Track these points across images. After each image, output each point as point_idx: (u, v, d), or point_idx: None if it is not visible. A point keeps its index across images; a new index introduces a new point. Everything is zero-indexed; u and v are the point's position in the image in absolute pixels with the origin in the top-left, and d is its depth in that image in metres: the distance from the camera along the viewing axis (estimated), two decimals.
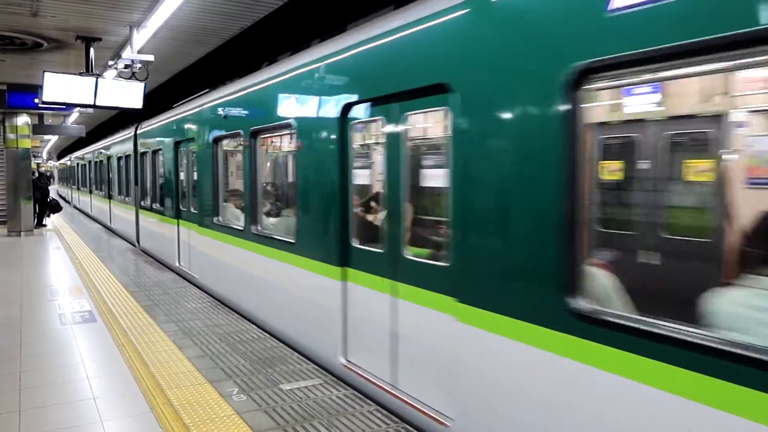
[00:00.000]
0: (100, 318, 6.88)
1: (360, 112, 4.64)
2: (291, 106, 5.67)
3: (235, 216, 7.79)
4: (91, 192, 23.42)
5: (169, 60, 10.74)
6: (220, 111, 7.65)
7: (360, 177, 4.82)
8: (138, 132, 13.39)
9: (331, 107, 4.87)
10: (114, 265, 10.75)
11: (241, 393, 4.56)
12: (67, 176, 37.75)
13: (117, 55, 9.93)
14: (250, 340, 5.95)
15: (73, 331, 6.34)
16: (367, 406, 4.29)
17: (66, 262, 11.18)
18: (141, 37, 8.78)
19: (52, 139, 30.74)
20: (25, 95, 13.90)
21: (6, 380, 4.90)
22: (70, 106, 11.43)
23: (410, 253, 4.14)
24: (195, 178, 9.01)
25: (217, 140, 7.90)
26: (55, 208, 19.49)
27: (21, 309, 7.36)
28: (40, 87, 9.14)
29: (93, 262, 11.20)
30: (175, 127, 10.04)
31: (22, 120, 15.63)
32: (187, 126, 9.34)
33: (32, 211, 16.77)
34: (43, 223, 18.24)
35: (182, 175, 9.95)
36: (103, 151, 19.45)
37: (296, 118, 5.51)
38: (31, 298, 7.99)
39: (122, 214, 15.82)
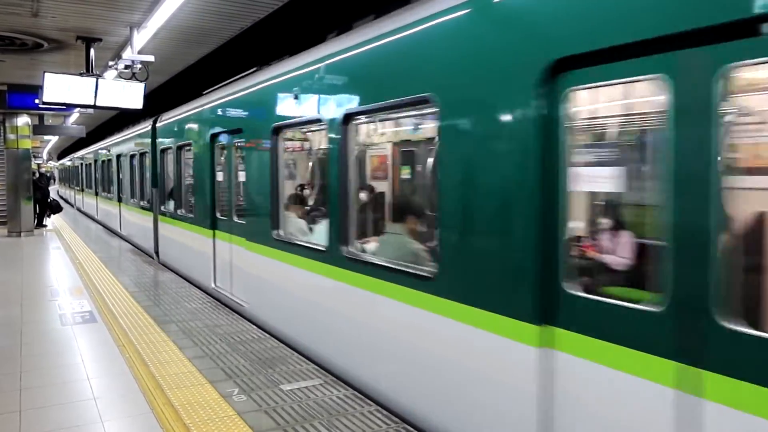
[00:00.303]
0: (101, 318, 6.89)
1: (594, 69, 2.80)
2: (426, 73, 3.84)
3: (299, 229, 6.31)
4: (97, 194, 21.12)
5: (169, 60, 10.75)
6: (289, 91, 5.67)
7: (590, 180, 2.99)
8: (158, 125, 11.33)
9: (522, 65, 3.06)
10: (114, 266, 10.75)
11: (242, 393, 4.56)
12: (70, 177, 34.93)
13: (117, 56, 9.94)
14: (251, 341, 5.96)
15: (73, 332, 6.35)
16: (368, 406, 4.30)
17: (66, 263, 11.18)
18: (141, 37, 8.79)
19: (53, 139, 30.78)
20: (25, 96, 13.93)
21: (6, 380, 4.91)
22: (70, 107, 11.44)
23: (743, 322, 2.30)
24: (241, 179, 7.25)
25: (280, 130, 6.06)
26: (56, 208, 19.52)
27: (21, 309, 7.37)
28: (41, 87, 9.17)
29: (93, 262, 11.20)
30: (211, 117, 8.19)
31: (23, 120, 15.66)
32: (229, 114, 7.57)
33: (32, 212, 16.78)
34: (44, 223, 18.26)
35: (220, 176, 8.03)
36: (111, 148, 17.32)
37: (440, 91, 3.66)
38: (32, 299, 7.99)
39: (136, 221, 13.65)
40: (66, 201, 32.18)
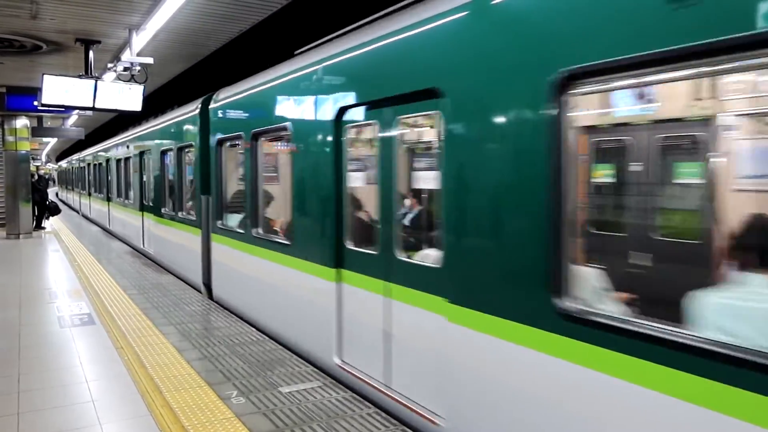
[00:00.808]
0: (99, 321, 6.88)
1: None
2: None
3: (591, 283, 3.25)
4: (108, 200, 17.72)
5: (168, 62, 10.75)
6: None
7: None
8: (212, 107, 8.16)
9: None
10: (113, 268, 10.73)
11: (240, 396, 4.55)
12: (74, 179, 30.75)
13: (116, 58, 9.95)
14: (249, 343, 5.95)
15: (71, 334, 6.34)
16: (366, 408, 4.29)
17: (65, 265, 11.17)
18: (140, 39, 8.79)
19: (51, 141, 30.78)
20: (24, 98, 13.92)
21: (5, 383, 4.90)
22: (69, 109, 11.45)
23: None
24: (426, 184, 4.39)
25: (575, 83, 2.91)
26: (54, 210, 19.54)
27: (20, 311, 7.36)
28: (39, 89, 9.18)
29: (92, 264, 11.19)
30: (339, 80, 5.01)
31: (21, 122, 15.69)
32: (396, 69, 4.28)
33: (31, 214, 16.78)
34: (42, 225, 18.27)
35: (357, 179, 4.97)
36: (131, 144, 13.98)
37: None
38: (30, 301, 7.98)
39: (171, 238, 10.35)
40: (68, 206, 31.71)
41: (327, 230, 5.08)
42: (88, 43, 9.41)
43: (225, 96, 7.78)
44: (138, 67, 9.35)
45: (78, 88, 9.20)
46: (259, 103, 6.70)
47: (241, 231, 7.07)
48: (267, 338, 6.11)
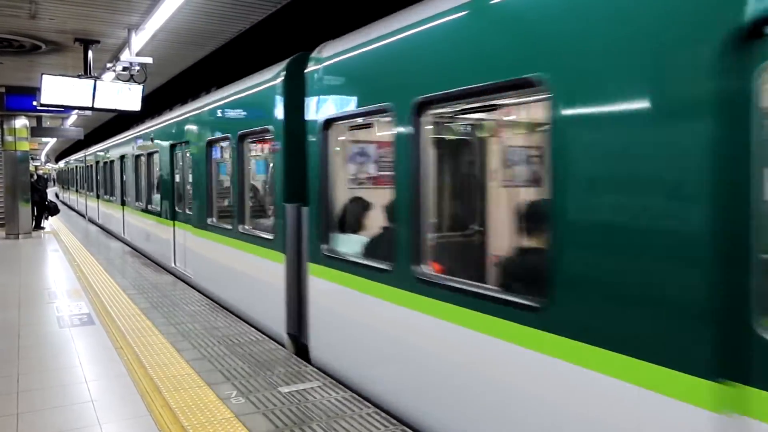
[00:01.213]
0: (99, 321, 6.87)
1: None
2: None
3: None
4: (123, 204, 14.86)
5: (167, 62, 10.75)
6: None
7: None
8: (314, 69, 5.24)
9: None
10: (112, 268, 10.73)
11: (240, 396, 4.55)
12: (80, 180, 27.10)
13: (115, 58, 9.95)
14: (249, 343, 5.94)
15: (71, 334, 6.33)
16: (366, 408, 4.29)
17: (64, 265, 11.16)
18: (139, 39, 8.79)
19: (51, 141, 30.78)
20: (23, 98, 13.93)
21: (4, 383, 4.89)
22: (68, 109, 11.44)
23: None
24: None
25: None
26: (54, 210, 19.55)
27: (19, 311, 7.35)
28: (39, 89, 9.20)
29: (91, 264, 11.18)
30: None
31: (21, 122, 15.70)
32: None
33: (30, 214, 16.78)
34: (41, 225, 18.27)
35: None
36: (157, 137, 11.15)
37: None
38: (30, 301, 7.98)
39: (221, 259, 7.72)
40: (70, 207, 31.29)
41: (704, 295, 2.23)
42: (87, 43, 9.41)
43: (342, 50, 4.89)
44: (137, 67, 9.35)
45: (77, 88, 9.21)
46: (442, 44, 3.72)
47: (386, 268, 4.23)
48: (267, 338, 6.10)
